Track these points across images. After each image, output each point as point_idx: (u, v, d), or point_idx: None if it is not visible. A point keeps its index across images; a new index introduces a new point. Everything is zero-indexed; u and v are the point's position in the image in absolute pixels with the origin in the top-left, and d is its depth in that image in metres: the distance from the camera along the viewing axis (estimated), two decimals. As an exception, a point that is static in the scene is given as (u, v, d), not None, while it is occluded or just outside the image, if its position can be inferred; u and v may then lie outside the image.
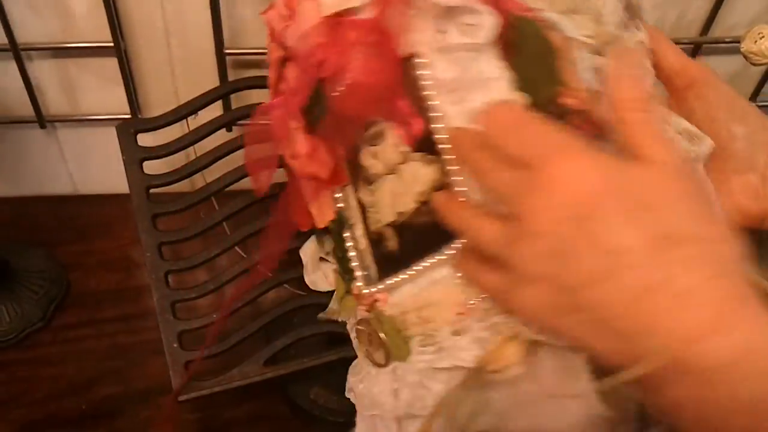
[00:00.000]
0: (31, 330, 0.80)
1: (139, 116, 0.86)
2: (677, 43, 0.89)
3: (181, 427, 0.72)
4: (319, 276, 0.65)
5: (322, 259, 0.66)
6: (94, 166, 0.93)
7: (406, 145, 0.54)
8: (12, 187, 0.94)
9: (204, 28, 0.78)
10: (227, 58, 0.81)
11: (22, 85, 0.82)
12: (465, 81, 0.50)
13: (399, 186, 0.55)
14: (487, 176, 0.45)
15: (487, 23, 0.48)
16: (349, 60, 0.54)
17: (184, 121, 0.73)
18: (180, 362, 0.65)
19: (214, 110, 0.74)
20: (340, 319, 0.64)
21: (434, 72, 0.51)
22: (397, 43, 0.51)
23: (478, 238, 0.46)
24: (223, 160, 0.70)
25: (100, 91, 0.85)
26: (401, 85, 0.52)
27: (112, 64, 0.81)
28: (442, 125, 0.50)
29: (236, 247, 0.69)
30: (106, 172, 0.91)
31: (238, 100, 0.80)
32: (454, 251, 0.52)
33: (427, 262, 0.54)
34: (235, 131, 0.77)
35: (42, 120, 0.86)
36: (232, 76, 0.83)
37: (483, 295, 0.51)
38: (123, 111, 0.86)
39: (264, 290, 0.67)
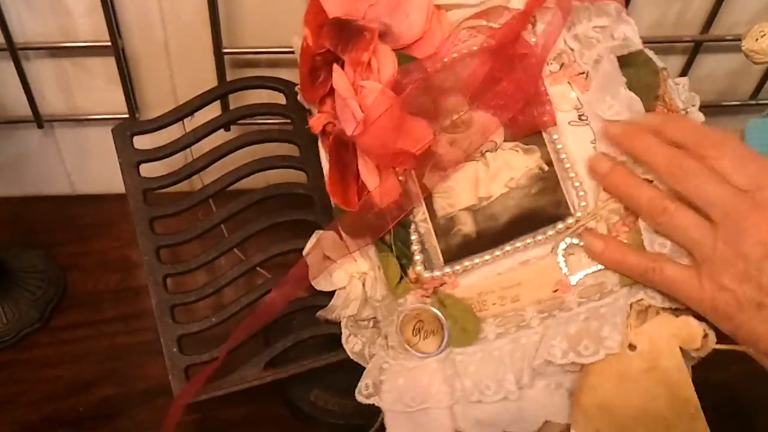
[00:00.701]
0: (29, 331, 0.80)
1: (137, 116, 0.86)
2: (678, 41, 0.89)
3: (179, 428, 0.72)
4: (323, 277, 0.64)
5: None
6: (92, 166, 0.93)
7: (497, 134, 0.59)
8: (9, 187, 0.94)
9: (202, 27, 0.78)
10: (225, 57, 0.81)
11: (20, 84, 0.81)
12: (609, 83, 0.57)
13: (484, 172, 0.59)
14: (704, 185, 0.51)
15: (632, 32, 0.59)
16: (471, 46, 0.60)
17: (182, 122, 0.72)
18: (180, 366, 0.64)
19: (213, 110, 0.73)
20: (337, 318, 0.64)
21: (600, 69, 0.58)
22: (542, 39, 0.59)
23: (684, 231, 0.52)
24: (222, 161, 0.70)
25: (98, 90, 0.85)
26: (539, 77, 0.59)
27: (110, 63, 0.81)
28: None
29: (235, 250, 0.68)
30: (105, 172, 0.91)
31: (236, 100, 0.80)
32: (553, 232, 0.57)
33: (517, 243, 0.58)
34: (234, 131, 0.77)
35: (40, 120, 0.85)
36: (230, 75, 0.83)
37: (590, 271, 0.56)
38: (121, 111, 0.86)
39: (263, 292, 0.67)
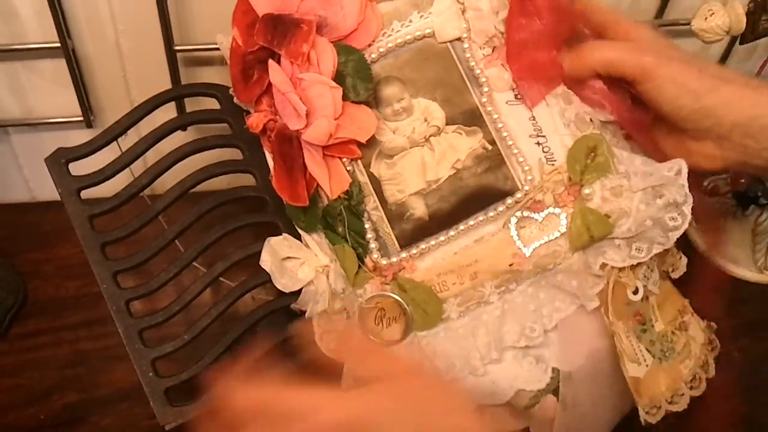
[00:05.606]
0: (-12, 341, 0.79)
1: (92, 118, 0.85)
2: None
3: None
4: (289, 278, 0.64)
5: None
6: (51, 172, 0.91)
7: (437, 119, 0.61)
8: (-34, 196, 0.92)
9: (153, 26, 0.77)
10: (178, 55, 0.80)
11: (-30, 90, 0.80)
12: None
13: (430, 156, 0.60)
14: None
15: None
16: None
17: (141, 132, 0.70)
18: (159, 390, 0.62)
19: (169, 111, 0.72)
20: (310, 316, 0.64)
21: None
22: None
23: None
24: (167, 173, 0.69)
25: (53, 94, 0.84)
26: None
27: (62, 66, 0.79)
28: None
29: (195, 263, 0.67)
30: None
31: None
32: (504, 208, 0.59)
33: (470, 221, 0.60)
34: (176, 142, 0.74)
35: (-7, 125, 0.84)
36: (184, 73, 0.83)
37: (542, 242, 0.59)
38: (76, 113, 0.84)
39: (231, 302, 0.66)
